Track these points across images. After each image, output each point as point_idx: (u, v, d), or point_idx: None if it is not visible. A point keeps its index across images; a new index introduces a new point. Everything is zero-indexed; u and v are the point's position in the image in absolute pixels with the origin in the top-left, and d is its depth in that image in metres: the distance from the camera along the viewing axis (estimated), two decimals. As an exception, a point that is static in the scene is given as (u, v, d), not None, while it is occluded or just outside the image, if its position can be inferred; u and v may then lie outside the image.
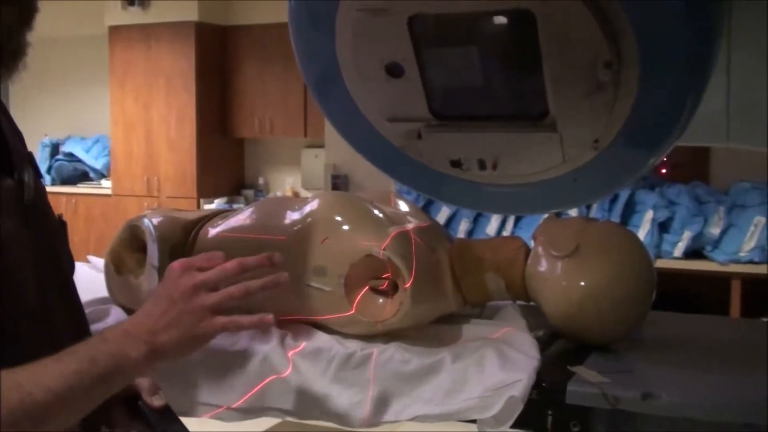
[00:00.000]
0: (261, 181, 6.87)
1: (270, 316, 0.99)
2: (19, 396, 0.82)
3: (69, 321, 1.05)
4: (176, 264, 1.00)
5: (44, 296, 0.97)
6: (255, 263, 1.01)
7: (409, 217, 1.56)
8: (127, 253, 1.62)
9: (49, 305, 0.98)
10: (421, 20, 1.57)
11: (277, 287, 1.01)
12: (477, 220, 4.64)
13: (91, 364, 0.89)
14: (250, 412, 1.38)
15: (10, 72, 0.97)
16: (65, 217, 1.12)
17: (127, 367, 0.93)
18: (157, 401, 1.06)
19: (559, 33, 1.47)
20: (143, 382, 1.07)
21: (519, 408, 1.23)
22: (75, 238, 6.71)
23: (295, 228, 1.47)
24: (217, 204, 6.30)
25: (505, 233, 4.47)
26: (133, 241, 1.62)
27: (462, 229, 4.61)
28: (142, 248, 1.59)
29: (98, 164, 7.20)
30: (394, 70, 1.64)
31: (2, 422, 0.80)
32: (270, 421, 3.94)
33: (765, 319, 3.62)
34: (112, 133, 6.88)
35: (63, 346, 0.95)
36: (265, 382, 1.37)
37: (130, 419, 1.07)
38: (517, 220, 4.50)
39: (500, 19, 1.57)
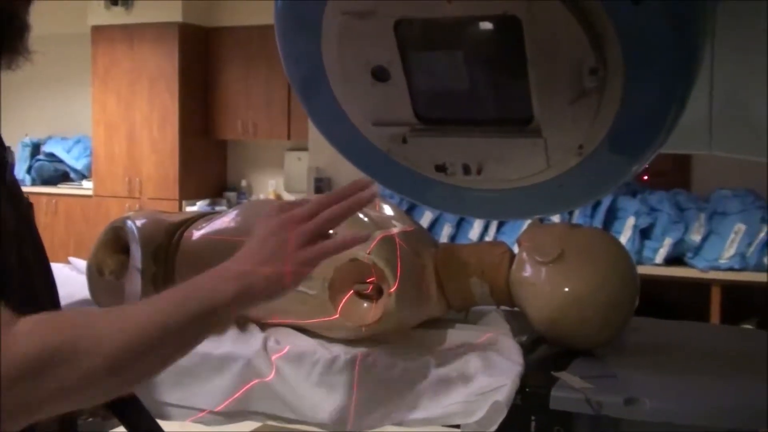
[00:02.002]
0: (244, 183, 6.85)
1: (366, 233, 0.97)
2: (113, 333, 0.80)
3: (49, 302, 1.05)
4: (272, 206, 0.96)
5: (28, 275, 0.96)
6: (346, 191, 0.97)
7: (394, 221, 1.55)
8: (110, 254, 1.61)
9: (33, 283, 0.98)
10: (407, 24, 1.57)
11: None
12: (460, 225, 4.65)
13: (182, 306, 0.86)
14: (232, 416, 1.38)
15: (12, 56, 0.97)
16: (46, 219, 1.13)
17: (217, 306, 0.88)
18: None
19: (544, 39, 1.48)
20: None
21: (503, 413, 1.23)
22: (55, 239, 6.66)
23: (280, 231, 1.46)
24: (199, 206, 6.28)
25: (488, 238, 4.48)
26: (116, 243, 1.61)
27: (445, 233, 4.62)
28: (125, 250, 1.58)
29: (79, 165, 7.15)
30: (379, 74, 1.64)
31: (103, 357, 0.77)
32: (252, 425, 3.92)
33: (745, 326, 3.65)
34: (93, 133, 6.83)
35: None
36: (248, 386, 1.36)
37: (96, 406, 1.08)
38: (500, 225, 4.52)
39: (486, 25, 1.57)
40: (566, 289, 1.41)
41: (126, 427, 1.15)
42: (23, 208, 1.05)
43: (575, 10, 1.40)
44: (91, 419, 1.11)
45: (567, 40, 1.45)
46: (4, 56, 0.98)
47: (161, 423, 1.36)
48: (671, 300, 4.31)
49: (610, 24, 1.43)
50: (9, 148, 1.02)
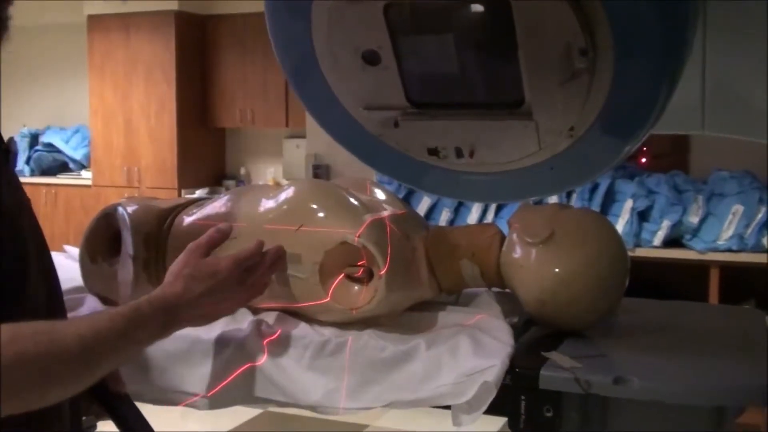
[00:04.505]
0: (242, 171, 6.85)
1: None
2: (50, 339, 0.85)
3: (44, 293, 1.05)
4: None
5: (24, 266, 0.97)
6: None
7: (385, 205, 1.56)
8: (102, 241, 1.61)
9: (29, 274, 0.98)
10: (397, 8, 1.57)
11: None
12: (458, 210, 4.65)
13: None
14: (224, 400, 1.38)
15: None
16: (46, 209, 1.15)
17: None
18: (119, 388, 1.09)
19: (534, 21, 1.48)
20: None
21: (492, 393, 1.24)
22: (55, 229, 6.67)
23: (270, 216, 1.47)
24: (198, 194, 6.28)
25: (486, 222, 4.48)
26: (107, 230, 1.61)
27: (443, 218, 4.62)
28: (116, 237, 1.59)
29: (78, 155, 7.16)
30: (370, 58, 1.64)
31: (33, 363, 0.83)
32: (251, 412, 3.95)
33: (744, 306, 3.65)
34: (91, 123, 6.84)
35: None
36: (240, 370, 1.36)
37: (90, 402, 1.10)
38: (498, 209, 4.52)
39: (476, 7, 1.57)
40: (556, 270, 1.41)
41: (117, 425, 1.16)
42: (25, 200, 1.05)
43: (564, -10, 1.40)
44: (84, 417, 1.13)
45: (556, 21, 1.45)
46: None
47: (153, 408, 1.38)
48: (670, 282, 4.32)
49: (599, 4, 1.43)
50: (12, 138, 1.03)
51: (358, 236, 1.38)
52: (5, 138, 1.05)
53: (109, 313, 0.96)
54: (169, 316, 1.04)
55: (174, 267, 1.14)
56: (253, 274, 1.20)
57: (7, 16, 0.98)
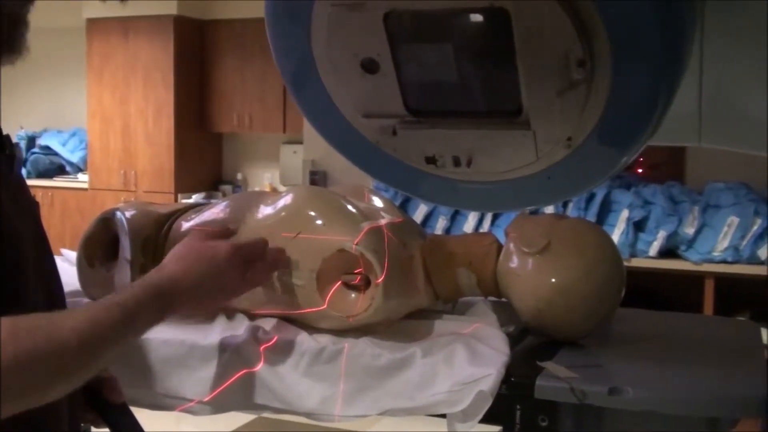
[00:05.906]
0: (239, 176, 6.85)
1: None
2: (48, 335, 0.84)
3: (44, 301, 1.05)
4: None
5: (23, 275, 0.97)
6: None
7: (382, 213, 1.56)
8: (100, 245, 1.61)
9: (27, 283, 0.98)
10: (396, 16, 1.57)
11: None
12: (454, 218, 4.66)
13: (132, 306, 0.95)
14: (221, 405, 1.39)
15: (13, 57, 0.99)
16: (42, 211, 1.14)
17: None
18: (116, 397, 1.08)
19: (532, 31, 1.48)
20: (105, 377, 1.09)
21: (488, 402, 1.24)
22: (51, 232, 6.61)
23: (269, 222, 1.47)
24: (195, 199, 6.28)
25: (483, 231, 4.49)
26: (105, 234, 1.61)
27: (439, 226, 4.63)
28: (114, 241, 1.59)
29: (75, 158, 7.15)
30: (369, 66, 1.64)
31: (32, 362, 0.81)
32: (246, 417, 3.94)
33: (739, 318, 3.66)
34: (89, 126, 6.83)
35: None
36: (237, 376, 1.37)
37: (86, 411, 1.10)
38: (495, 218, 4.53)
39: (475, 17, 1.57)
40: (552, 280, 1.42)
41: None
42: (27, 205, 1.05)
43: (563, 1, 1.41)
44: (82, 424, 1.13)
45: (555, 31, 1.46)
46: (4, 54, 1.00)
47: (148, 411, 1.38)
48: (665, 292, 4.33)
49: (597, 15, 1.43)
50: (18, 144, 1.03)
51: (356, 244, 1.38)
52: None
53: (104, 303, 0.93)
54: (166, 301, 1.01)
55: (175, 249, 1.11)
56: (252, 268, 1.19)
57: (22, 39, 0.99)
